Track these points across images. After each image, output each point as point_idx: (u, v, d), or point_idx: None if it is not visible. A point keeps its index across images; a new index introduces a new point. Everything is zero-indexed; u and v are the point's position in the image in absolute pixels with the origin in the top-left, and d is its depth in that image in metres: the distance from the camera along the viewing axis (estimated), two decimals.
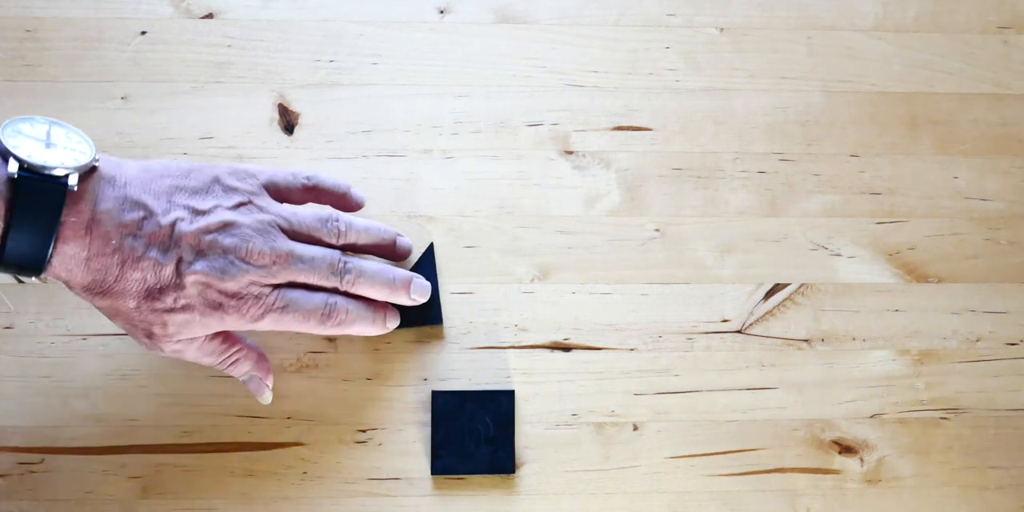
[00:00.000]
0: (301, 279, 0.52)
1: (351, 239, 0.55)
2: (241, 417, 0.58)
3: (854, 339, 0.61)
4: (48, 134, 0.48)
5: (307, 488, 0.57)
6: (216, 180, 0.51)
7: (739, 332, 0.60)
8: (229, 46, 0.62)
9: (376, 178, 0.61)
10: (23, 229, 0.45)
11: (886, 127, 0.64)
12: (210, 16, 0.62)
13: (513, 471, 0.57)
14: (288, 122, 0.61)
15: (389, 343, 0.59)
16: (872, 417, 0.60)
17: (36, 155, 0.46)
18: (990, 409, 0.60)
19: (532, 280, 0.60)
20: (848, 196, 0.62)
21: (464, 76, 0.63)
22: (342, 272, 0.53)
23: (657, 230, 0.61)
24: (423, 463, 0.58)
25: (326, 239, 0.53)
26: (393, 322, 0.56)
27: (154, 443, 0.57)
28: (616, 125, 0.63)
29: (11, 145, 0.46)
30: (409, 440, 0.58)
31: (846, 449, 0.59)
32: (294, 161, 0.61)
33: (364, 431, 0.58)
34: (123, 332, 0.58)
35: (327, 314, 0.53)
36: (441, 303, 0.59)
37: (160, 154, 0.60)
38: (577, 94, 0.63)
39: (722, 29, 0.64)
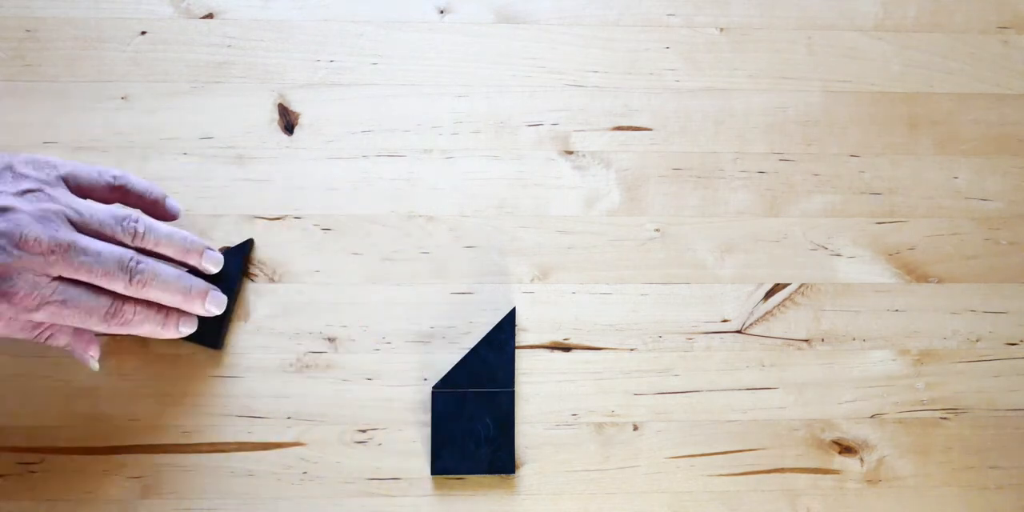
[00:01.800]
0: (83, 275, 0.49)
1: (148, 243, 0.52)
2: (241, 417, 0.58)
3: (854, 339, 0.61)
4: None
5: (307, 488, 0.57)
6: (9, 167, 0.49)
7: (739, 332, 0.60)
8: (229, 46, 0.62)
9: (376, 178, 0.61)
10: None
11: (886, 127, 0.64)
12: (210, 16, 0.62)
13: (513, 471, 0.57)
14: (288, 122, 0.61)
15: (389, 343, 0.59)
16: (872, 417, 0.60)
17: None
18: (990, 409, 0.60)
19: (532, 280, 0.60)
20: (848, 196, 0.62)
21: (464, 76, 0.63)
22: (132, 271, 0.50)
23: (657, 230, 0.61)
24: (423, 463, 0.58)
25: (120, 238, 0.51)
26: (188, 327, 0.54)
27: (154, 443, 0.57)
28: (616, 125, 0.63)
29: None
30: (409, 440, 0.58)
31: (846, 449, 0.59)
32: (294, 161, 0.61)
33: (364, 431, 0.58)
34: (123, 332, 0.58)
35: (111, 313, 0.50)
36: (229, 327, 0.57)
37: (160, 154, 0.60)
38: (577, 94, 0.63)
39: (722, 29, 0.64)
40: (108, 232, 0.50)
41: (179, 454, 0.57)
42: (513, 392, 0.58)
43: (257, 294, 0.59)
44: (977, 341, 0.61)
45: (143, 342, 0.58)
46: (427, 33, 0.63)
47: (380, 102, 0.62)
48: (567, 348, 0.60)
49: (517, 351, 0.59)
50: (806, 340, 0.60)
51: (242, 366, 0.58)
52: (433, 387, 0.58)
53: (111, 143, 0.60)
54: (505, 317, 0.59)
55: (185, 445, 0.57)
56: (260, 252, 0.60)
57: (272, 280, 0.59)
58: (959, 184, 0.63)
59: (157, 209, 0.55)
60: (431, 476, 0.57)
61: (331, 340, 0.59)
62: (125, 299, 0.51)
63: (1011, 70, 0.65)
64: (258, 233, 0.60)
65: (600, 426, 0.59)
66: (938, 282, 0.62)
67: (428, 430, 0.58)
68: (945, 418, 0.60)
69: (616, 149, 0.62)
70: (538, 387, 0.59)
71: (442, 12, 0.63)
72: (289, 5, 0.63)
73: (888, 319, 0.61)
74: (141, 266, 0.50)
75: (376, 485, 0.57)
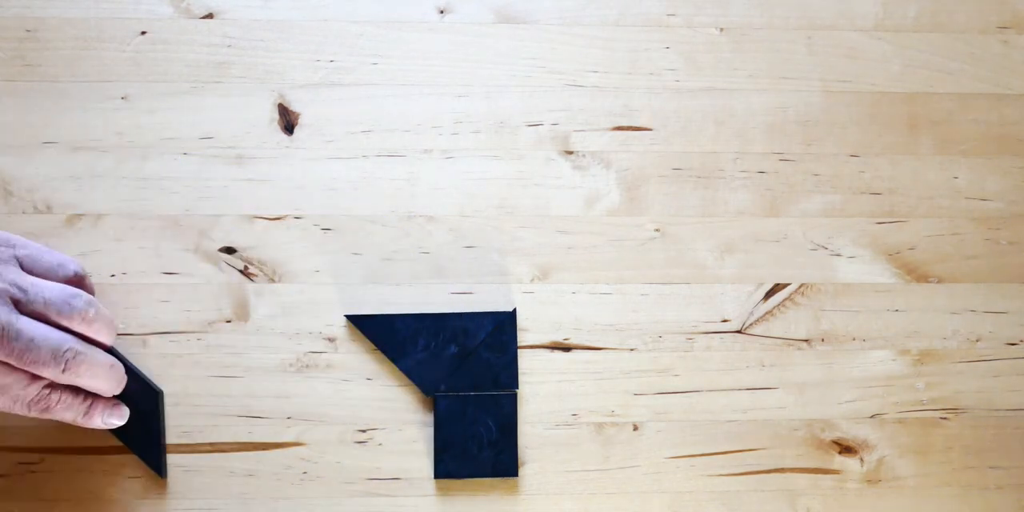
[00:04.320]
0: (12, 360, 0.46)
1: (94, 330, 0.49)
2: (241, 417, 0.58)
3: (854, 339, 0.61)
4: None
5: (307, 488, 0.57)
6: None
7: (739, 332, 0.60)
8: (229, 46, 0.62)
9: (376, 178, 0.61)
10: None
11: (886, 127, 0.64)
12: (210, 16, 0.62)
13: (516, 474, 0.57)
14: (288, 122, 0.61)
15: None
16: (872, 417, 0.60)
17: None
18: (990, 409, 0.60)
19: (532, 280, 0.60)
20: (848, 196, 0.62)
21: (464, 76, 0.63)
22: (67, 362, 0.47)
23: (657, 230, 0.61)
24: (423, 463, 0.58)
25: (63, 321, 0.47)
26: (116, 419, 0.51)
27: None
28: (616, 125, 0.63)
29: None
30: (409, 440, 0.58)
31: (846, 449, 0.59)
32: (294, 161, 0.61)
33: (364, 431, 0.58)
34: (123, 332, 0.58)
35: (35, 400, 0.48)
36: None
37: (160, 154, 0.60)
38: (577, 94, 0.63)
39: (722, 29, 0.64)
40: (52, 312, 0.47)
41: (179, 454, 0.57)
42: (516, 395, 0.58)
43: (257, 294, 0.59)
44: (977, 341, 0.61)
45: (142, 343, 0.58)
46: (427, 33, 0.63)
47: (380, 102, 0.62)
48: (567, 348, 0.60)
49: (517, 351, 0.59)
50: (806, 340, 0.61)
51: (242, 366, 0.58)
52: (435, 391, 0.58)
53: (111, 143, 0.60)
54: (506, 319, 0.59)
55: (185, 445, 0.57)
56: (260, 252, 0.59)
57: (272, 280, 0.59)
58: (959, 184, 0.63)
59: None
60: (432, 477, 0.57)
61: (331, 340, 0.59)
62: (53, 387, 0.49)
63: (1011, 70, 0.65)
64: (258, 233, 0.60)
65: (600, 426, 0.59)
66: (938, 282, 0.62)
67: (428, 430, 0.58)
68: (945, 418, 0.60)
69: (616, 149, 0.62)
70: (538, 387, 0.59)
71: (442, 12, 0.63)
72: (289, 5, 0.63)
73: (888, 319, 0.61)
74: (79, 358, 0.48)
75: (376, 485, 0.57)
